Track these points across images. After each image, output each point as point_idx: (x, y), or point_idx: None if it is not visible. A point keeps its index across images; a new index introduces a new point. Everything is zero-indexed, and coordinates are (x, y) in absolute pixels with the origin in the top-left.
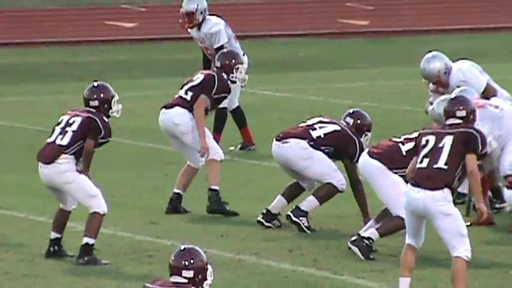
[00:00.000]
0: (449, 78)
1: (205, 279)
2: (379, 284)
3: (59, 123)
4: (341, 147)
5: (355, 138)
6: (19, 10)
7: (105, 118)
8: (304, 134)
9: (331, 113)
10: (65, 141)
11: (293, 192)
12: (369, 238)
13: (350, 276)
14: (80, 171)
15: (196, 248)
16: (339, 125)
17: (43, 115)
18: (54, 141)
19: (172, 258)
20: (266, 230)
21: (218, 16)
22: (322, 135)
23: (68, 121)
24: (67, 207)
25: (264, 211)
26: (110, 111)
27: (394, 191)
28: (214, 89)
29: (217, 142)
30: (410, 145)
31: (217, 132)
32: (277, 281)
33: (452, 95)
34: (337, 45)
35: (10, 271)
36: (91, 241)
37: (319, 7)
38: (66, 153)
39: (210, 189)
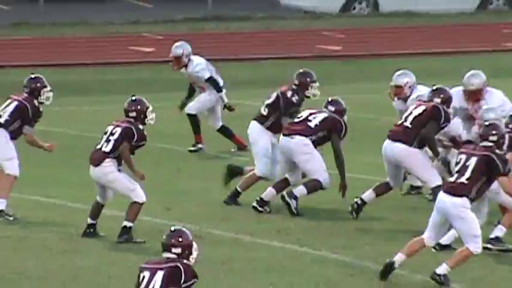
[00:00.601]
0: (410, 94)
1: (191, 254)
2: (350, 258)
3: (105, 133)
4: (332, 129)
5: (340, 119)
6: (62, 38)
7: (140, 126)
8: (306, 131)
9: None
10: (108, 148)
11: (281, 185)
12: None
13: (327, 251)
14: (119, 170)
15: (183, 228)
16: (326, 112)
17: (80, 122)
18: (100, 148)
19: (164, 237)
20: (259, 214)
21: (200, 56)
22: (318, 124)
23: (111, 131)
24: (102, 201)
25: (258, 199)
26: (146, 119)
27: (424, 165)
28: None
29: (200, 142)
30: (411, 117)
31: (197, 134)
32: (268, 256)
33: (486, 122)
34: (316, 66)
35: (53, 247)
36: (129, 224)
37: (302, 35)
38: (109, 158)
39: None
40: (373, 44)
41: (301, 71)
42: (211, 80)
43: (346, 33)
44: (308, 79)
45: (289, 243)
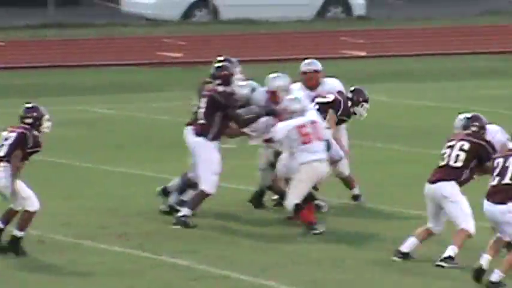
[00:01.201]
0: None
1: None
2: (191, 262)
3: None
4: (219, 105)
5: (227, 91)
6: None
7: (35, 132)
8: (201, 130)
9: (152, 127)
10: (2, 152)
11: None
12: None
13: (167, 256)
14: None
15: None
16: (205, 95)
17: None
18: None
19: None
20: (100, 219)
21: None
22: (203, 116)
23: (6, 137)
24: (15, 207)
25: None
26: (41, 127)
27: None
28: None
29: None
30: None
31: None
32: (109, 260)
33: None
34: (157, 73)
35: None
36: (20, 234)
37: (143, 42)
38: (3, 162)
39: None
40: (213, 51)
41: (356, 87)
42: None
43: (187, 40)
44: (361, 98)
45: (131, 248)
